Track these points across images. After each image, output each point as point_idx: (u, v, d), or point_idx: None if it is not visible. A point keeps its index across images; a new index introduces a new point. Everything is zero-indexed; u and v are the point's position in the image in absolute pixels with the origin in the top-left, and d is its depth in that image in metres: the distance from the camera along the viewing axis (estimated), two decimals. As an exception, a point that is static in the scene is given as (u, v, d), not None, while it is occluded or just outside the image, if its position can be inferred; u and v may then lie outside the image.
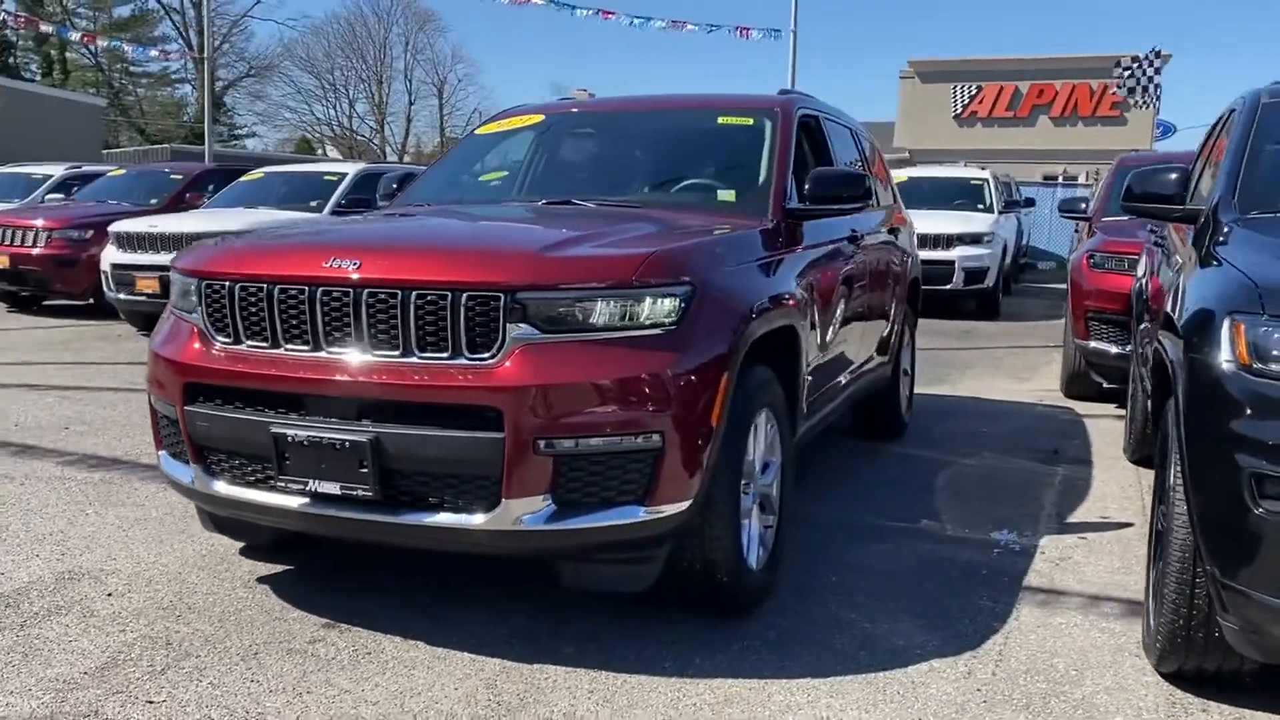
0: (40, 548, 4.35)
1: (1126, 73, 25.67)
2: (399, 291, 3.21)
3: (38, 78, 51.85)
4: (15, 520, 4.72)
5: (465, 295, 3.15)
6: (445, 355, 3.19)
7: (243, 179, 12.91)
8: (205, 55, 27.86)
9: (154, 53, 48.31)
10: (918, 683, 3.29)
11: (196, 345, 3.57)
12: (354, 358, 3.27)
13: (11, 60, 47.96)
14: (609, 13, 25.65)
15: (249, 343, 3.45)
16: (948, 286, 13.49)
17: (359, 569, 4.17)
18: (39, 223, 12.55)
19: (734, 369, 3.40)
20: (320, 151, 53.74)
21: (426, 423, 3.17)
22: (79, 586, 3.94)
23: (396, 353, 3.23)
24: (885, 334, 6.04)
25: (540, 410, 3.10)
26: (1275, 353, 2.79)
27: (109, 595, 3.86)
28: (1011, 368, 9.89)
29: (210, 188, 13.50)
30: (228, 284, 3.47)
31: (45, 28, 37.14)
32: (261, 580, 4.03)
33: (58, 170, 15.78)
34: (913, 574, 4.24)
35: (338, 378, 3.25)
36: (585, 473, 3.18)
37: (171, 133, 53.75)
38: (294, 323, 3.36)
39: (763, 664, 3.39)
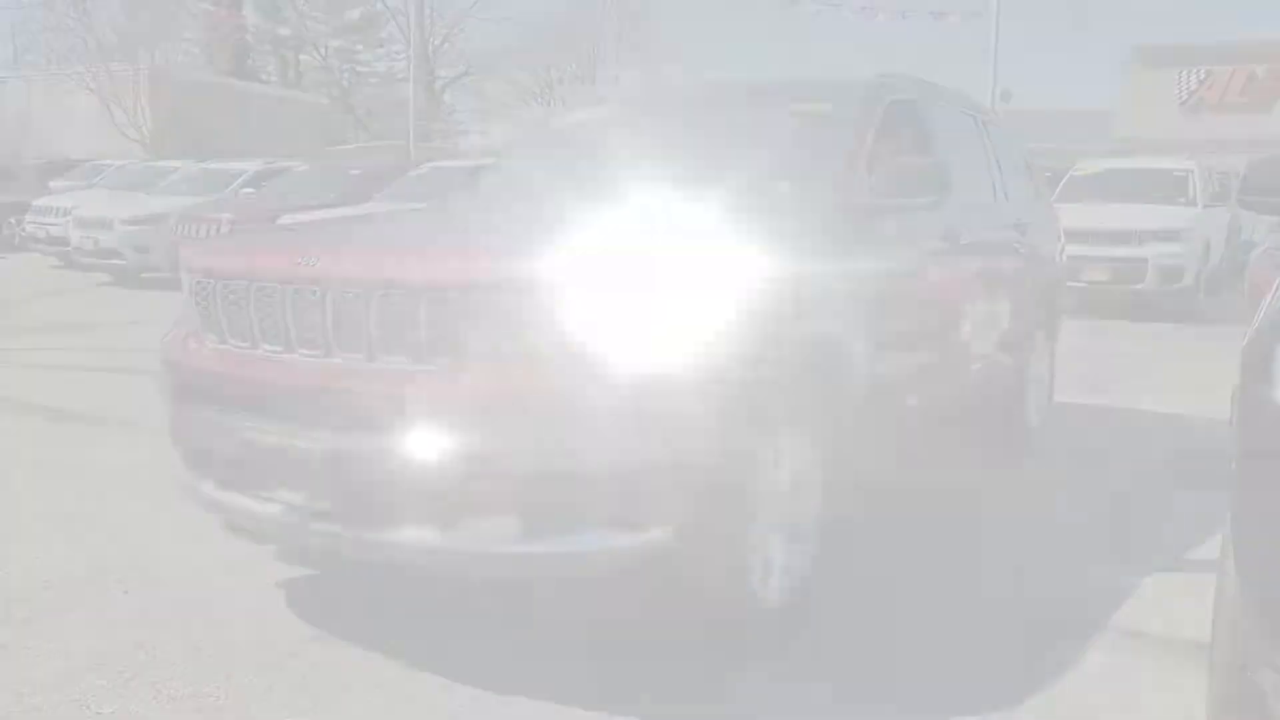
0: (97, 536, 4.40)
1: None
2: (359, 292, 3.01)
3: (273, 79, 55.14)
4: (95, 506, 4.81)
5: (423, 296, 2.93)
6: (407, 361, 2.97)
7: (410, 174, 13.21)
8: (412, 53, 28.88)
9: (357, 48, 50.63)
10: (925, 744, 2.87)
11: (190, 344, 3.49)
12: (318, 361, 3.10)
13: (250, 63, 51.01)
14: (794, -1, 24.96)
15: (233, 342, 3.34)
16: (1139, 285, 12.46)
17: (382, 576, 4.01)
18: (224, 216, 13.23)
19: (728, 380, 3.05)
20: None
21: (383, 432, 2.96)
22: (104, 581, 3.93)
23: (359, 356, 3.04)
24: (1002, 340, 5.48)
25: (497, 424, 2.84)
26: None
27: (125, 593, 3.84)
28: (1192, 377, 8.92)
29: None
30: (213, 281, 3.37)
31: (246, 23, 39.15)
32: (280, 585, 3.93)
33: (251, 166, 16.59)
34: (976, 609, 3.77)
35: (300, 382, 3.09)
36: (550, 493, 2.90)
37: (396, 130, 56.08)
38: (269, 322, 3.22)
39: (753, 706, 3.03)
